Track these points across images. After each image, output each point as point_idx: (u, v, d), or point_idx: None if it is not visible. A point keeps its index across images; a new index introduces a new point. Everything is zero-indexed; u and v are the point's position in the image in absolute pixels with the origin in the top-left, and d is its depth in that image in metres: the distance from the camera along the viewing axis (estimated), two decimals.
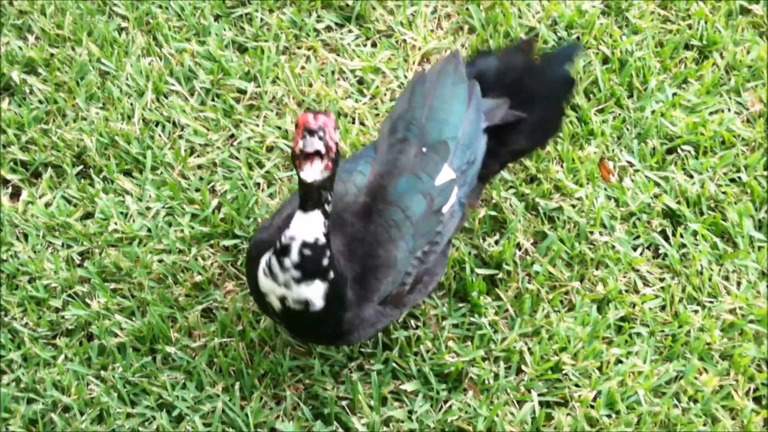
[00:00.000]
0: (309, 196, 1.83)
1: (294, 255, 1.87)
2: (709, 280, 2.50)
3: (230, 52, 2.87)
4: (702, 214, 2.63)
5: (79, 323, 2.37)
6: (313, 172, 1.78)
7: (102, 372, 2.29)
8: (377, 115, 2.78)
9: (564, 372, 2.33)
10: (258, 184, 2.61)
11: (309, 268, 1.89)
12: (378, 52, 2.89)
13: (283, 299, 1.94)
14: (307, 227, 1.85)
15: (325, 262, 1.90)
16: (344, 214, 2.05)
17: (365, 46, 2.93)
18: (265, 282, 1.95)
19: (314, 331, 2.05)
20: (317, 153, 1.77)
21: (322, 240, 1.87)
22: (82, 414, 2.24)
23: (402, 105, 2.25)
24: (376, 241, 2.05)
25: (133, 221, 2.53)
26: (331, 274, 1.91)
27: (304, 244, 1.87)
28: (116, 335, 2.35)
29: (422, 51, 2.91)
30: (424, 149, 2.16)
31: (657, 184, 2.67)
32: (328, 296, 1.93)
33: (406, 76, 2.86)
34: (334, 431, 2.23)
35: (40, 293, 2.40)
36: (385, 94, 2.82)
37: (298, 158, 1.79)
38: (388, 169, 2.14)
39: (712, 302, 2.47)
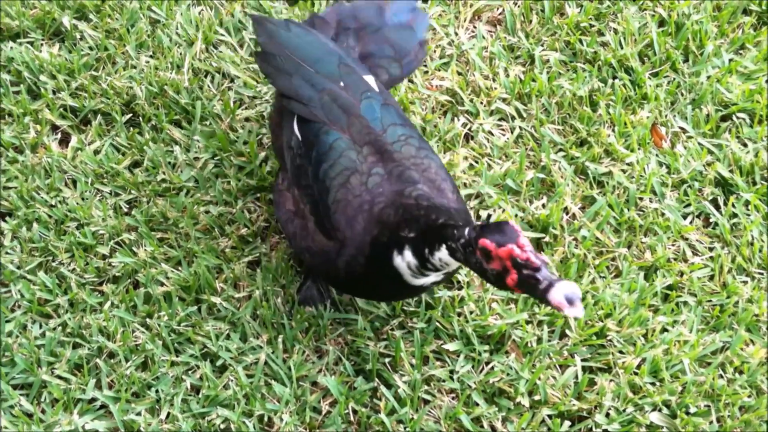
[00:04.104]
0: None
1: (455, 266, 1.88)
2: (760, 251, 2.46)
3: (280, 3, 2.84)
4: (755, 183, 2.58)
5: (125, 271, 2.38)
6: None
7: (147, 320, 2.31)
8: (426, 72, 2.75)
9: (608, 338, 2.31)
10: None
11: None
12: (429, 8, 2.85)
13: (447, 273, 1.94)
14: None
15: (459, 205, 2.00)
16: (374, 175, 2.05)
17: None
18: (419, 280, 1.94)
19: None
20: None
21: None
22: (126, 360, 2.26)
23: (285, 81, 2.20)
24: (413, 158, 2.07)
25: (181, 171, 2.53)
26: None
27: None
28: (162, 284, 2.36)
29: (474, 8, 2.87)
30: (342, 83, 2.15)
31: (710, 152, 2.63)
32: None
33: (456, 33, 2.82)
34: (375, 387, 2.24)
35: (87, 240, 2.42)
36: (434, 51, 2.79)
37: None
38: (350, 119, 2.10)
39: (761, 274, 2.44)
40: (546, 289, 1.60)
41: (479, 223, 1.76)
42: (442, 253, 1.83)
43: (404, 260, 1.90)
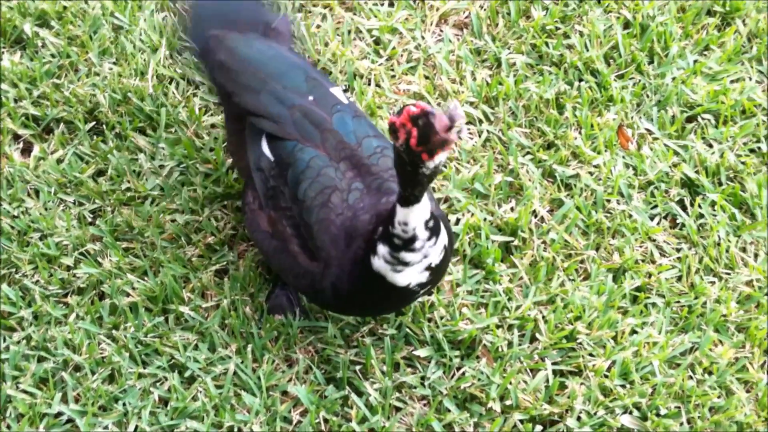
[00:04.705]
0: (427, 184, 1.76)
1: (422, 235, 1.85)
2: (727, 251, 2.47)
3: None
4: (721, 184, 2.60)
5: (90, 282, 2.35)
6: (444, 155, 1.69)
7: (113, 331, 2.28)
8: (393, 76, 2.74)
9: (578, 341, 2.31)
10: None
11: (436, 228, 1.88)
12: (395, 12, 2.84)
13: (429, 266, 1.91)
14: (423, 210, 1.82)
15: (436, 211, 1.90)
16: (356, 187, 2.03)
17: (382, 5, 2.88)
18: (403, 276, 1.91)
19: (447, 265, 2.03)
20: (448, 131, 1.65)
21: (431, 205, 1.85)
22: (93, 373, 2.22)
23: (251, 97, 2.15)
24: (390, 169, 2.05)
25: (146, 180, 2.50)
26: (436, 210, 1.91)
27: (426, 222, 1.85)
28: (128, 294, 2.33)
29: (440, 11, 2.87)
30: (311, 98, 2.12)
31: (676, 153, 2.64)
32: (443, 225, 1.95)
33: (423, 37, 2.82)
34: (346, 396, 2.22)
35: (51, 251, 2.38)
36: (401, 55, 2.78)
37: (435, 146, 1.64)
38: (324, 135, 2.07)
39: (729, 274, 2.45)
40: (434, 121, 1.61)
41: None
42: (398, 213, 1.81)
43: (380, 257, 1.88)
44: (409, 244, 1.85)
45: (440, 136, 1.62)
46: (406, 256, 1.87)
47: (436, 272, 1.95)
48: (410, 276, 1.91)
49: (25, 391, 2.20)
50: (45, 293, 2.33)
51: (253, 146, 2.15)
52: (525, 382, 2.26)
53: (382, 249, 1.87)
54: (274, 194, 2.10)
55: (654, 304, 2.39)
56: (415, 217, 1.82)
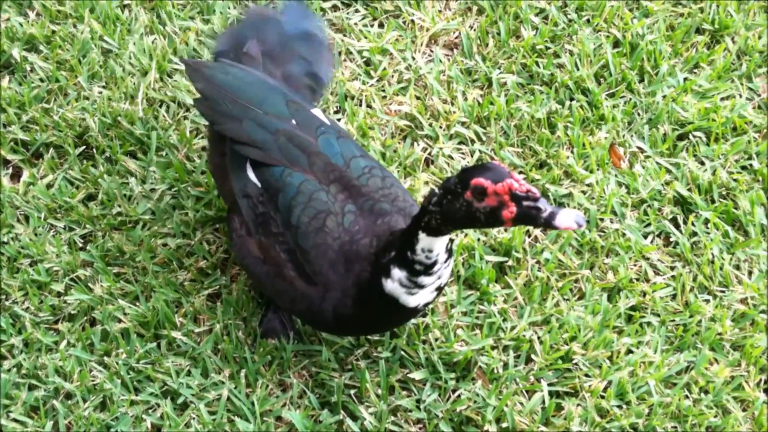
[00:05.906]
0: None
1: (442, 258, 1.88)
2: (721, 269, 2.47)
3: None
4: (713, 201, 2.59)
5: (81, 308, 2.32)
6: None
7: (105, 358, 2.25)
8: (384, 97, 2.73)
9: (574, 361, 2.30)
10: None
11: (451, 248, 1.92)
12: (385, 33, 2.84)
13: (438, 287, 1.95)
14: (444, 240, 1.85)
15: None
16: (350, 210, 2.03)
17: (372, 26, 2.88)
18: (416, 297, 1.93)
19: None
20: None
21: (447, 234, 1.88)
22: (84, 401, 2.20)
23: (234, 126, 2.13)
24: (381, 189, 2.06)
25: (137, 204, 2.48)
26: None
27: (446, 246, 1.88)
28: (120, 320, 2.31)
29: (430, 32, 2.86)
30: (293, 121, 2.11)
31: (668, 171, 2.64)
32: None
33: (413, 58, 2.81)
34: (341, 420, 2.20)
35: (41, 277, 2.36)
36: (392, 76, 2.77)
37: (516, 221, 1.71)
38: (311, 158, 2.06)
39: (723, 292, 2.44)
40: (550, 217, 1.67)
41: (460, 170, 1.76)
42: (422, 241, 1.83)
43: (395, 280, 1.89)
44: (429, 269, 1.88)
45: (563, 228, 1.67)
46: (423, 279, 1.90)
47: (440, 290, 1.98)
48: (421, 297, 1.94)
49: (16, 420, 2.17)
50: (35, 320, 2.31)
51: (237, 173, 2.12)
52: (521, 404, 2.25)
53: (398, 273, 1.89)
54: (264, 220, 2.08)
55: (649, 323, 2.38)
56: (440, 245, 1.85)
